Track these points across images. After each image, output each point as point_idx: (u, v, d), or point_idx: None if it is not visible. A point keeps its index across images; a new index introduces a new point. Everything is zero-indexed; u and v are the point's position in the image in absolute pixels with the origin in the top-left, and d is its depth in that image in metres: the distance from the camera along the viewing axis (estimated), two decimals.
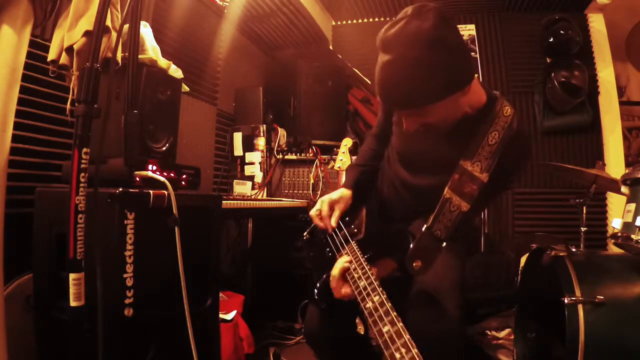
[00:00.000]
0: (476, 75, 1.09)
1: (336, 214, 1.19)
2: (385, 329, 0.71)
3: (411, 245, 0.99)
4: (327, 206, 1.19)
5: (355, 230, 1.17)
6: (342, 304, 1.01)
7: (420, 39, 0.85)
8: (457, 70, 0.91)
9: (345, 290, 0.95)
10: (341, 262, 0.98)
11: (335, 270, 0.98)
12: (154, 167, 1.23)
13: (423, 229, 1.00)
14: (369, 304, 0.80)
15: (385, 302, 0.78)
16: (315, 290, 1.08)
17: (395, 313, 0.74)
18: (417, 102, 0.91)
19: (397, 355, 0.65)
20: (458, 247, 1.18)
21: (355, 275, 0.93)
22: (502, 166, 1.01)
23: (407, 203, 1.25)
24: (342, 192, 1.24)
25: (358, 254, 1.03)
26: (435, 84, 0.88)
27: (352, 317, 1.33)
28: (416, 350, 0.64)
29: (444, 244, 1.00)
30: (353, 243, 1.09)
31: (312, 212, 1.21)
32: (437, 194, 1.03)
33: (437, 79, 0.88)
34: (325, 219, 1.18)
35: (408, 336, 0.67)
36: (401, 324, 0.70)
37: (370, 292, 0.83)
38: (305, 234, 1.29)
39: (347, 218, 1.22)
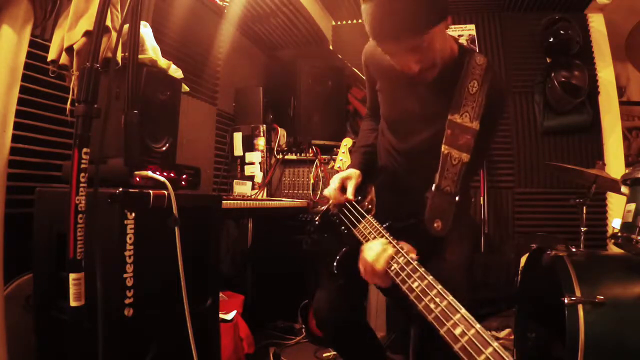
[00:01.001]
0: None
1: (350, 188, 1.22)
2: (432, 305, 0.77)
3: (427, 207, 1.02)
4: (339, 182, 1.23)
5: (369, 206, 1.19)
6: (358, 282, 1.05)
7: None
8: None
9: (386, 281, 0.90)
10: (386, 252, 0.89)
11: (380, 261, 0.88)
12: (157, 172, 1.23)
13: (433, 188, 1.04)
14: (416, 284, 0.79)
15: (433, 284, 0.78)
16: (335, 264, 1.09)
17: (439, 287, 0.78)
18: (421, 26, 0.93)
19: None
20: (465, 234, 1.21)
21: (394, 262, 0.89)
22: (487, 111, 1.06)
23: (406, 169, 1.29)
24: (351, 171, 1.27)
25: (377, 225, 1.04)
26: (427, 9, 0.92)
27: (364, 299, 1.36)
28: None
29: (457, 197, 1.04)
30: (369, 217, 1.10)
31: (326, 191, 1.24)
32: (430, 152, 1.08)
33: (427, 4, 0.92)
34: (338, 193, 1.21)
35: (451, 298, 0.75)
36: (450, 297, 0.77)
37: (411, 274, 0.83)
38: (316, 218, 1.30)
39: (358, 197, 1.24)
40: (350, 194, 1.21)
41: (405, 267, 0.83)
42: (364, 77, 1.38)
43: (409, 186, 1.25)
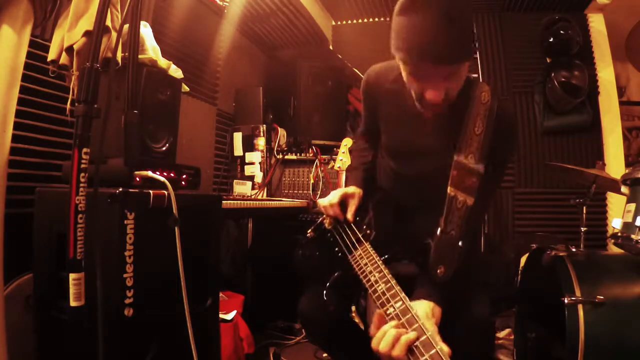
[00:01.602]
0: None
1: (351, 207, 1.17)
2: None
3: (431, 252, 0.97)
4: (339, 197, 1.18)
5: (368, 230, 1.13)
6: (347, 304, 1.02)
7: None
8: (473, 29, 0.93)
9: None
10: (404, 339, 0.73)
11: (397, 350, 0.73)
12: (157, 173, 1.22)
13: (438, 232, 0.98)
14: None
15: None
16: (325, 291, 1.06)
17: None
18: (465, 54, 0.91)
19: None
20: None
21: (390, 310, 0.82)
22: (494, 153, 1.03)
23: (407, 194, 1.24)
24: (353, 189, 1.22)
25: (374, 256, 1.00)
26: (469, 38, 0.90)
27: (349, 305, 1.34)
28: None
29: (460, 242, 0.99)
30: (367, 245, 1.06)
31: (324, 202, 1.18)
32: (432, 185, 1.04)
33: (469, 34, 0.90)
34: (336, 210, 1.16)
35: None
36: None
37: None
38: (309, 231, 1.25)
39: (357, 217, 1.19)
40: (350, 214, 1.16)
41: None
42: (364, 77, 1.35)
43: (409, 213, 1.21)
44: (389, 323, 0.77)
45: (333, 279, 1.06)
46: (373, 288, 0.88)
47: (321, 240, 1.23)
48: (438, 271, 0.96)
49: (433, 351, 0.67)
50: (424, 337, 0.71)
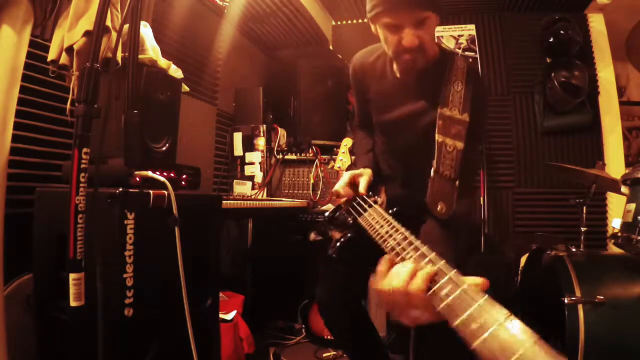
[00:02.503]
0: None
1: (363, 183, 1.22)
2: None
3: (428, 191, 1.08)
4: (350, 178, 1.25)
5: (378, 199, 1.20)
6: (359, 270, 1.08)
7: None
8: None
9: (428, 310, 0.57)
10: (424, 271, 0.57)
11: (417, 281, 0.57)
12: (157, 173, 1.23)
13: (432, 173, 1.10)
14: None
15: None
16: (335, 248, 1.04)
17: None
18: (429, 2, 1.06)
19: None
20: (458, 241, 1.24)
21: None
22: (474, 105, 1.16)
23: (405, 168, 1.35)
24: (363, 170, 1.28)
25: (383, 212, 1.01)
26: None
27: (366, 291, 1.39)
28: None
29: (457, 182, 1.10)
30: (377, 206, 1.09)
31: (336, 186, 1.26)
32: (425, 145, 1.15)
33: None
34: (348, 190, 1.22)
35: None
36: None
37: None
38: (328, 212, 1.29)
39: (370, 192, 1.25)
40: (363, 188, 1.22)
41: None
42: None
43: (409, 182, 1.31)
44: (402, 263, 0.62)
45: (345, 239, 1.09)
46: (385, 241, 0.85)
47: (337, 221, 1.28)
48: (438, 207, 1.07)
49: (465, 285, 0.52)
50: (447, 276, 0.55)
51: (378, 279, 0.64)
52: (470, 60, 1.30)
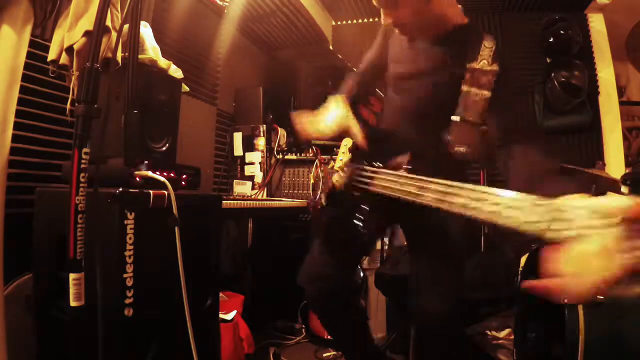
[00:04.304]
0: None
1: (359, 135, 1.27)
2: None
3: (452, 134, 1.08)
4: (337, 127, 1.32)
5: (379, 163, 1.22)
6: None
7: None
8: None
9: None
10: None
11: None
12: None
13: (457, 119, 1.10)
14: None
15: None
16: (362, 221, 1.11)
17: None
18: None
19: None
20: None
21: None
22: (505, 59, 1.15)
23: (416, 125, 1.29)
24: (342, 109, 1.37)
25: (395, 173, 1.02)
26: None
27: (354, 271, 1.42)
28: None
29: (484, 127, 1.09)
30: (383, 169, 1.11)
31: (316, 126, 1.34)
32: (437, 104, 1.17)
33: None
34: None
35: None
36: None
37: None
38: (323, 200, 1.34)
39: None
40: (360, 137, 1.25)
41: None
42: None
43: (416, 138, 1.26)
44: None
45: (366, 212, 1.12)
46: (411, 195, 0.88)
47: (334, 200, 1.30)
48: (462, 149, 1.07)
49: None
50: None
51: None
52: None
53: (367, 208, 1.14)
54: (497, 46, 1.17)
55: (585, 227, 0.55)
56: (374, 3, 1.18)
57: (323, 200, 1.32)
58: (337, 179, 1.28)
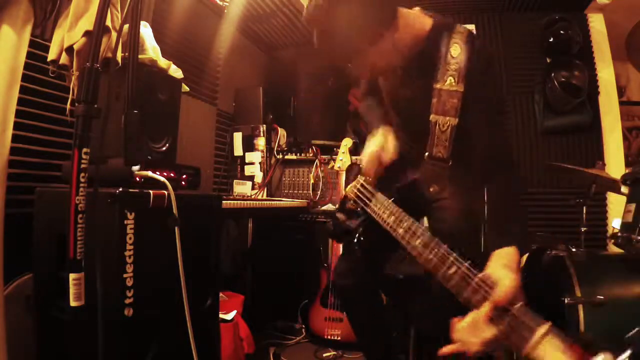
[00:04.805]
0: (416, 9, 1.16)
1: (391, 147, 1.24)
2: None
3: (421, 175, 1.09)
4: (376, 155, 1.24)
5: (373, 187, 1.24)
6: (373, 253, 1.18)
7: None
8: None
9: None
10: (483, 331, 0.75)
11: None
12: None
13: (425, 157, 1.10)
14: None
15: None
16: (355, 241, 1.14)
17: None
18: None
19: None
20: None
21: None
22: (472, 67, 1.05)
23: (410, 146, 1.31)
24: (384, 134, 1.27)
25: (385, 200, 1.08)
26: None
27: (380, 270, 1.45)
28: None
29: (450, 162, 1.08)
30: (379, 194, 1.14)
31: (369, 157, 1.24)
32: (420, 132, 1.13)
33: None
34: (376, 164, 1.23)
35: None
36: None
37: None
38: (337, 211, 1.33)
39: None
40: (392, 152, 1.23)
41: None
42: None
43: (415, 164, 1.26)
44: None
45: (360, 230, 1.15)
46: (394, 231, 0.97)
47: (344, 212, 1.31)
48: (431, 189, 1.09)
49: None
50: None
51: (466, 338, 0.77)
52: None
53: (361, 230, 1.17)
54: (467, 49, 1.06)
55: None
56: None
57: (337, 207, 1.37)
58: (350, 188, 1.29)
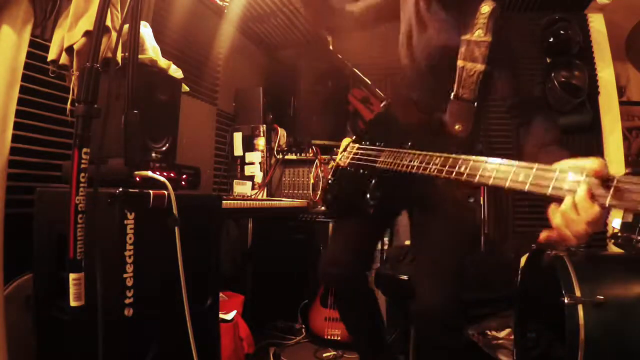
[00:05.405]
0: None
1: None
2: None
3: (447, 112, 1.13)
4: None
5: (382, 144, 1.27)
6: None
7: None
8: None
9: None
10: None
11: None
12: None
13: (452, 97, 1.14)
14: None
15: None
16: (369, 197, 1.16)
17: None
18: None
19: None
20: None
21: None
22: (500, 34, 1.16)
23: (418, 91, 1.33)
24: None
25: (399, 150, 1.11)
26: None
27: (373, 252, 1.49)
28: None
29: (475, 104, 1.14)
30: (386, 149, 1.18)
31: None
32: (441, 68, 1.18)
33: None
34: None
35: None
36: None
37: None
38: (329, 177, 1.39)
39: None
40: None
41: None
42: (364, 77, 1.45)
43: (416, 116, 1.31)
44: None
45: (372, 186, 1.17)
46: (410, 165, 1.02)
47: (343, 178, 1.35)
48: (456, 127, 1.13)
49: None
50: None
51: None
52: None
53: (373, 182, 1.20)
54: (494, 11, 1.16)
55: (570, 183, 0.70)
56: None
57: (329, 178, 1.40)
58: (340, 157, 1.31)
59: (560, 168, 0.72)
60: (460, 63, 1.15)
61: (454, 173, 0.88)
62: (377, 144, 1.27)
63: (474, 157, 0.86)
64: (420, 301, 1.17)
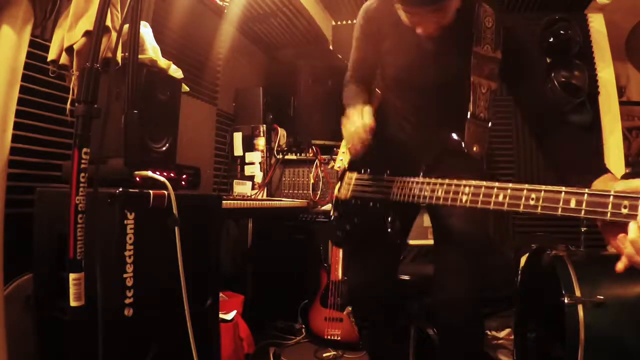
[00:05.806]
0: None
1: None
2: None
3: (465, 133, 1.08)
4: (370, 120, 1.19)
5: (388, 170, 1.21)
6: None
7: None
8: None
9: None
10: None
11: None
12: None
13: (469, 115, 1.09)
14: None
15: None
16: (391, 231, 1.13)
17: None
18: None
19: None
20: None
21: None
22: (510, 45, 1.14)
23: (419, 126, 1.30)
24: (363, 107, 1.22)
25: (410, 179, 1.07)
26: None
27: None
28: None
29: (490, 123, 1.11)
30: (397, 179, 1.13)
31: (357, 130, 1.16)
32: (447, 96, 1.15)
33: None
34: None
35: None
36: None
37: None
38: (332, 213, 1.34)
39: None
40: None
41: None
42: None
43: (424, 140, 1.24)
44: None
45: (392, 222, 1.14)
46: (435, 196, 0.97)
47: (350, 211, 1.28)
48: (475, 149, 1.09)
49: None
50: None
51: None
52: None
53: (391, 217, 1.16)
54: (497, 24, 1.13)
55: (629, 206, 0.68)
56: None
57: (332, 214, 1.34)
58: (339, 190, 1.27)
59: (614, 191, 0.71)
60: (473, 79, 1.11)
61: (492, 203, 0.82)
62: (387, 172, 1.20)
63: (510, 185, 0.80)
64: (444, 291, 1.16)
